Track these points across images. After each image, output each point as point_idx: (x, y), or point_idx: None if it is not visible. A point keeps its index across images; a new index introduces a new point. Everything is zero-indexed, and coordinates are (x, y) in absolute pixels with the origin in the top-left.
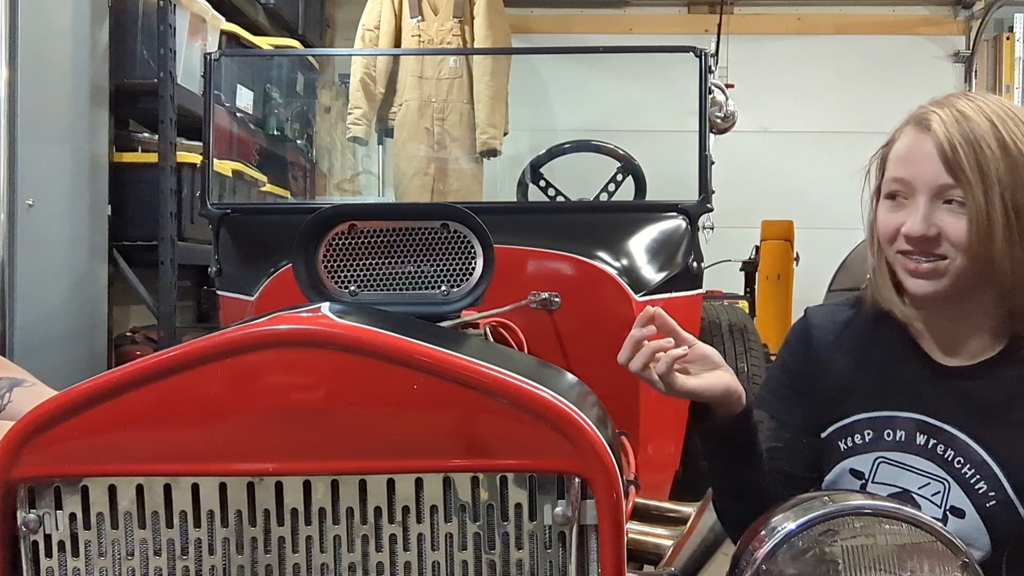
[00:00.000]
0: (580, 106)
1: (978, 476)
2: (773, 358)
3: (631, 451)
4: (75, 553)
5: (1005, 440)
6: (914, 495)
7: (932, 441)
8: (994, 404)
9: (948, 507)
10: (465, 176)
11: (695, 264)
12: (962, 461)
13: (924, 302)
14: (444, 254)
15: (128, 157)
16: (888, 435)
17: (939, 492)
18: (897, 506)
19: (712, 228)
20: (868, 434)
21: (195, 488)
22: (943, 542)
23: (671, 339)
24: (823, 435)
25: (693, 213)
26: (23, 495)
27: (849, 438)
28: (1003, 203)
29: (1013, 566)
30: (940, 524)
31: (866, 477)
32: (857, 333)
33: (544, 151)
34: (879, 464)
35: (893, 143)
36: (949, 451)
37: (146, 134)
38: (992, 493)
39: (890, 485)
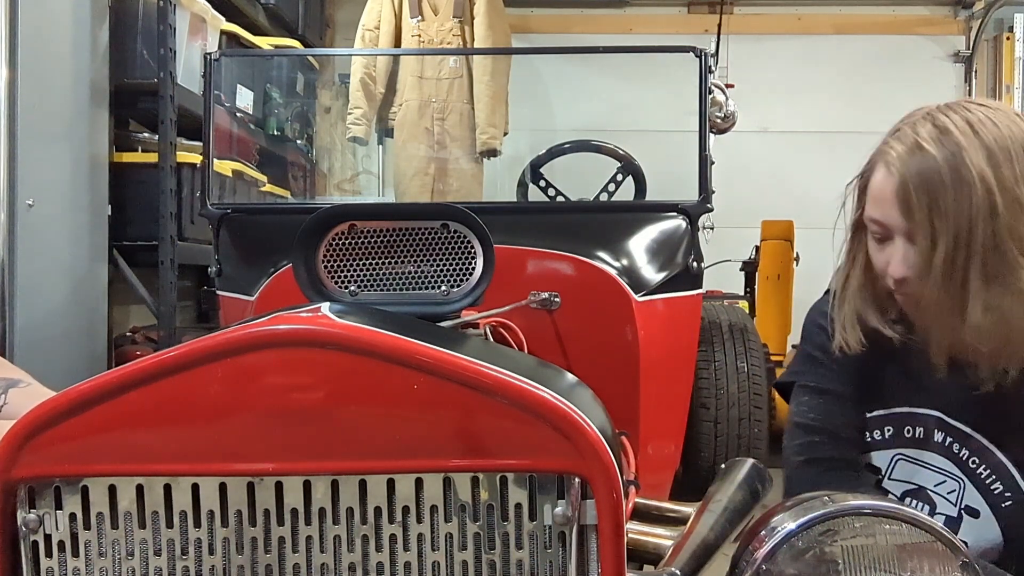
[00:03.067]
0: (580, 106)
1: (994, 476)
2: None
3: (631, 451)
4: (75, 553)
5: (1022, 443)
6: (930, 492)
7: (949, 439)
8: (1012, 407)
9: (963, 506)
10: (465, 176)
11: (695, 264)
12: (977, 461)
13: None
14: (444, 254)
15: (128, 157)
16: (908, 432)
17: (955, 491)
18: (897, 506)
19: (712, 228)
20: (888, 430)
21: (195, 488)
22: (943, 542)
23: None
24: None
25: (693, 213)
26: (23, 495)
27: (868, 434)
28: (951, 243)
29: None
30: (940, 524)
31: (883, 473)
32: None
33: (544, 151)
34: (897, 461)
35: (868, 175)
36: (964, 450)
37: (146, 134)
38: (1008, 494)
39: (906, 482)
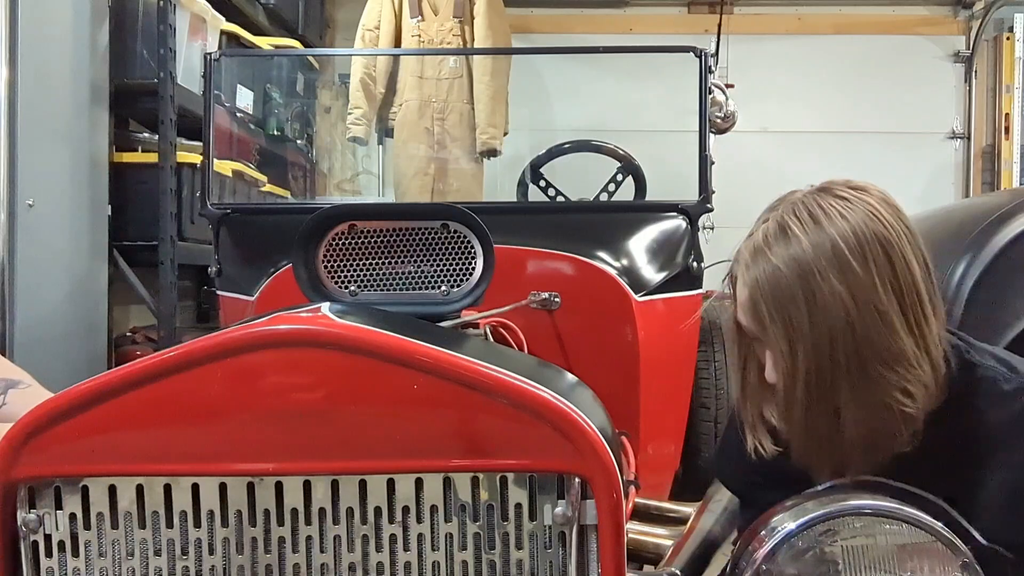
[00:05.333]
0: (580, 106)
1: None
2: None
3: (631, 451)
4: (75, 553)
5: (967, 491)
6: None
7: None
8: (948, 458)
9: None
10: (465, 176)
11: (695, 264)
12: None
13: None
14: (444, 254)
15: (128, 157)
16: None
17: None
18: (897, 506)
19: (712, 228)
20: None
21: (195, 488)
22: (943, 542)
23: None
24: None
25: (693, 213)
26: (23, 495)
27: None
28: (812, 362)
29: None
30: (940, 524)
31: None
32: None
33: (544, 151)
34: None
35: (734, 275)
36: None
37: (146, 134)
38: (968, 545)
39: None
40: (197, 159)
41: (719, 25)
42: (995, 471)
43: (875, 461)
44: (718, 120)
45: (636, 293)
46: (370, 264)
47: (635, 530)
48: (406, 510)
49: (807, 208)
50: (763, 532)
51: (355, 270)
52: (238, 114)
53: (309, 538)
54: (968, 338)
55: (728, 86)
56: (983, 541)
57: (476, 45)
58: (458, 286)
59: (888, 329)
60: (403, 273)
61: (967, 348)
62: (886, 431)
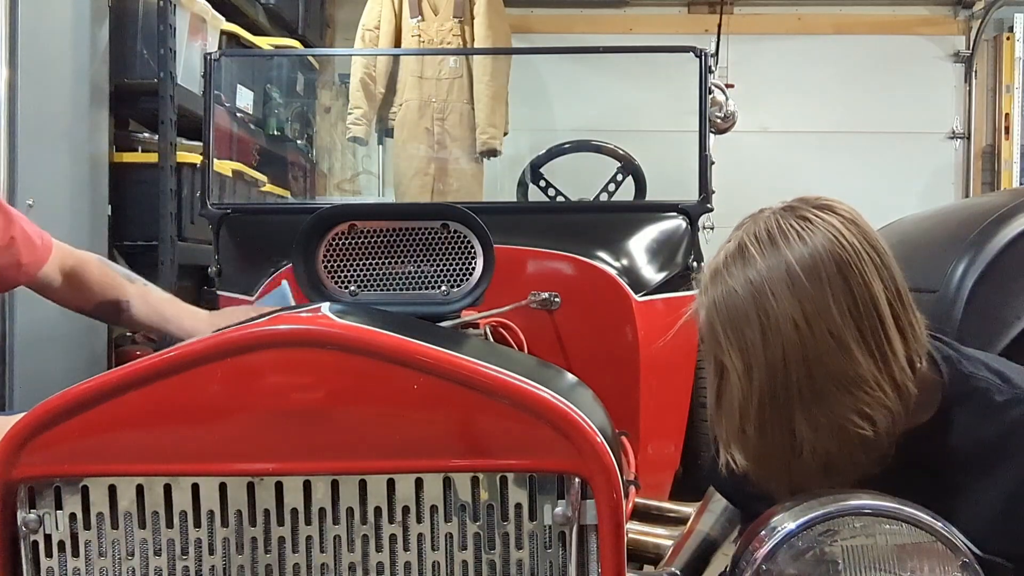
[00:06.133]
0: (580, 106)
1: None
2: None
3: (631, 451)
4: (75, 553)
5: (961, 505)
6: None
7: None
8: (941, 470)
9: None
10: (465, 176)
11: (695, 264)
12: None
13: None
14: (444, 254)
15: (128, 157)
16: None
17: None
18: (897, 506)
19: (712, 228)
20: None
21: (195, 488)
22: (943, 542)
23: None
24: None
25: (693, 213)
26: (23, 495)
27: None
28: (770, 389)
29: None
30: (940, 524)
31: None
32: None
33: (544, 151)
34: None
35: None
36: None
37: (146, 134)
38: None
39: None
40: (197, 159)
41: (719, 25)
42: (991, 483)
43: (837, 484)
44: (718, 120)
45: (636, 293)
46: (370, 264)
47: (635, 530)
48: (406, 510)
49: (767, 229)
50: (763, 532)
51: (355, 270)
52: (238, 114)
53: (309, 538)
54: (960, 347)
55: (728, 86)
56: (980, 554)
57: (476, 45)
58: (458, 286)
59: (843, 351)
60: (403, 273)
61: (959, 358)
62: (844, 455)
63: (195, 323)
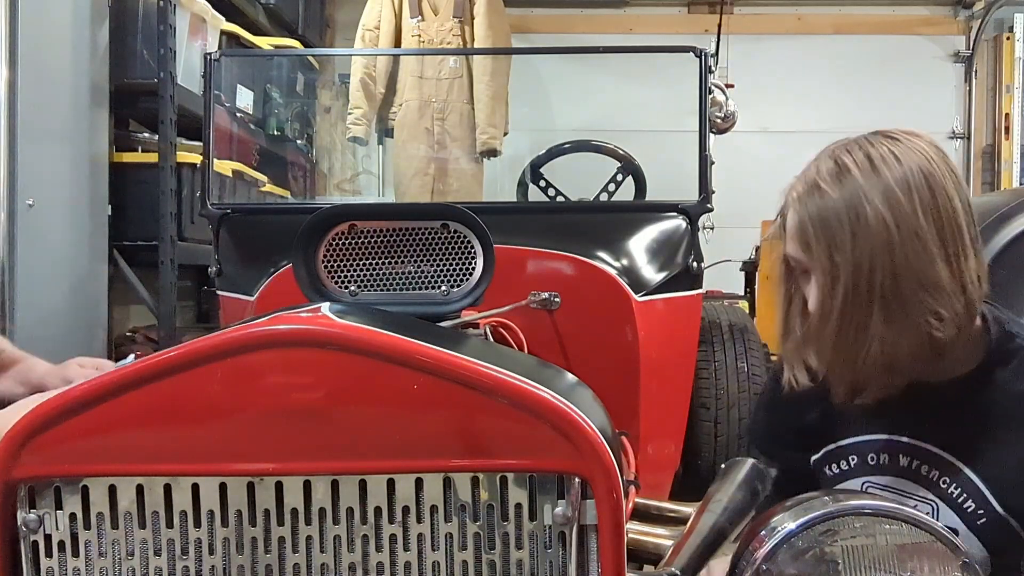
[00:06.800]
0: (580, 106)
1: (965, 494)
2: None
3: (631, 451)
4: (75, 553)
5: (990, 456)
6: None
7: (916, 462)
8: (975, 420)
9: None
10: (465, 176)
11: (695, 264)
12: (948, 481)
13: None
14: (444, 254)
15: (128, 157)
16: (872, 459)
17: (928, 513)
18: (897, 506)
19: (712, 228)
20: (852, 459)
21: (195, 488)
22: (943, 542)
23: None
24: (812, 460)
25: (693, 213)
26: (23, 495)
27: (834, 464)
28: (850, 282)
29: None
30: (940, 524)
31: None
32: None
33: (544, 151)
34: (867, 489)
35: (785, 212)
36: (934, 471)
37: (146, 134)
38: (980, 511)
39: None
40: (197, 159)
41: (719, 25)
42: (1020, 438)
43: (891, 384)
44: (718, 120)
45: (636, 293)
46: (370, 264)
47: (635, 530)
48: (406, 510)
49: (861, 148)
50: (763, 532)
51: (355, 270)
52: (238, 114)
53: (309, 538)
54: (1010, 314)
55: (728, 86)
56: (999, 509)
57: (476, 45)
58: (458, 286)
59: (926, 255)
60: (403, 273)
61: (1008, 319)
62: (910, 353)
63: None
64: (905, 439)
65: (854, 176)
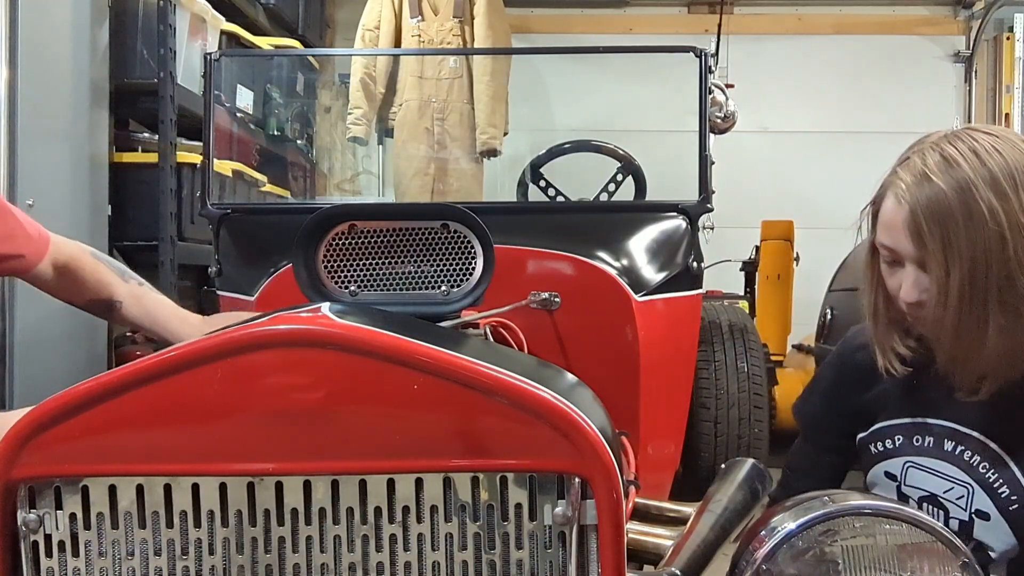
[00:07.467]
0: (580, 106)
1: (1001, 481)
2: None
3: (631, 451)
4: (75, 553)
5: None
6: (941, 499)
7: (960, 448)
8: (1021, 415)
9: (973, 510)
10: (465, 176)
11: (695, 264)
12: (987, 466)
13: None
14: (444, 254)
15: (128, 157)
16: (917, 440)
17: (963, 496)
18: (897, 506)
19: (712, 228)
20: (898, 439)
21: (195, 488)
22: (943, 542)
23: None
24: (858, 438)
25: (693, 213)
26: (23, 495)
27: (880, 443)
28: (967, 273)
29: None
30: (940, 524)
31: (898, 480)
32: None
33: (544, 151)
34: (908, 468)
35: (880, 202)
36: (976, 456)
37: (146, 134)
38: (1015, 498)
39: (919, 488)
40: (197, 159)
41: (719, 25)
42: None
43: (1010, 377)
44: (718, 120)
45: (636, 293)
46: (370, 264)
47: (635, 530)
48: (406, 510)
49: (963, 141)
50: (763, 532)
51: (355, 270)
52: (238, 114)
53: (309, 538)
54: None
55: (728, 86)
56: (1023, 480)
57: (476, 45)
58: (458, 286)
59: None
60: (403, 273)
61: None
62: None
63: (186, 328)
64: (953, 424)
65: (963, 168)
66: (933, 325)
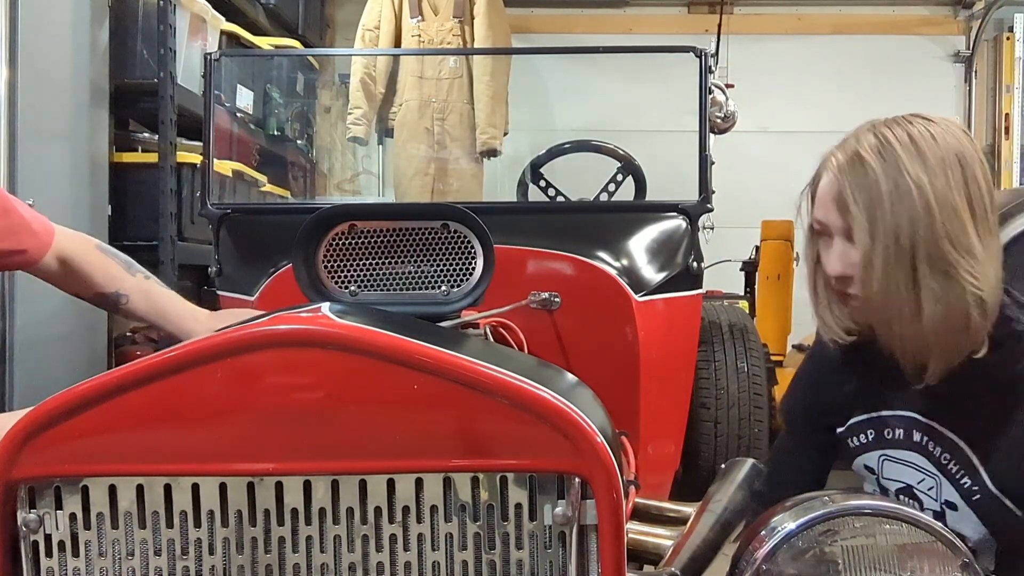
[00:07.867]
0: (580, 106)
1: (962, 471)
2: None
3: (631, 451)
4: (75, 553)
5: (984, 437)
6: (915, 490)
7: (926, 438)
8: (974, 402)
9: (943, 501)
10: (465, 176)
11: (695, 264)
12: (948, 457)
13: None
14: (444, 254)
15: (128, 157)
16: (887, 434)
17: (933, 487)
18: (897, 506)
19: (712, 228)
20: (871, 433)
21: (195, 488)
22: (943, 542)
23: None
24: (838, 432)
25: (693, 213)
26: (23, 495)
27: (855, 437)
28: (892, 241)
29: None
30: (940, 524)
31: (876, 472)
32: (859, 346)
33: (544, 151)
34: (883, 461)
35: (817, 182)
36: (938, 448)
37: (146, 134)
38: (976, 488)
39: (896, 480)
40: (197, 159)
41: (719, 25)
42: (1017, 422)
43: (957, 360)
44: (718, 120)
45: (636, 293)
46: (370, 264)
47: (635, 530)
48: (406, 510)
49: (900, 126)
50: (763, 532)
51: (355, 270)
52: (238, 114)
53: (309, 538)
54: (1018, 297)
55: (728, 86)
56: (992, 487)
57: (476, 45)
58: (458, 286)
59: (960, 224)
60: (403, 273)
61: (1009, 303)
62: (960, 313)
63: (193, 324)
64: (919, 416)
65: (894, 148)
66: (863, 304)
